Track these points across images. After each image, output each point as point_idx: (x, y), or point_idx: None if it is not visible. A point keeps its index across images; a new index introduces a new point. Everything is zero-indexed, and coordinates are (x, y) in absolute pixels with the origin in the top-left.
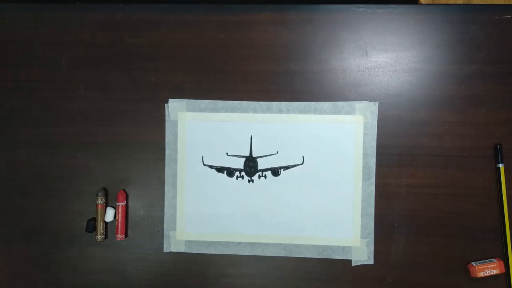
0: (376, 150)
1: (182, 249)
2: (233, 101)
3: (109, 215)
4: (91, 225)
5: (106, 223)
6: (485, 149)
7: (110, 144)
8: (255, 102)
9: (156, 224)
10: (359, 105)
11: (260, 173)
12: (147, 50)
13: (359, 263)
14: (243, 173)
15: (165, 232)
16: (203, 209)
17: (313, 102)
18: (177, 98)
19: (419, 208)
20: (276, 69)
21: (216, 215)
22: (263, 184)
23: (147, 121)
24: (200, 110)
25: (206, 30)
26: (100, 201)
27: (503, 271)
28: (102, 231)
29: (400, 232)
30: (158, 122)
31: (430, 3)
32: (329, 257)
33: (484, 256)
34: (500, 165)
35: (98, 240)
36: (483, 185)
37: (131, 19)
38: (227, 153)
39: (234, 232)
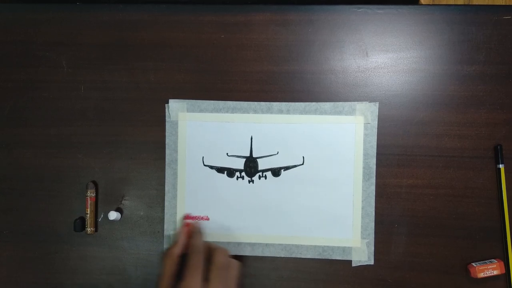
0: (376, 150)
1: None
2: (234, 102)
3: (113, 214)
4: (78, 224)
5: (96, 216)
6: (485, 149)
7: (110, 144)
8: (256, 103)
9: (156, 224)
10: (359, 105)
11: (260, 173)
12: (147, 50)
13: (359, 264)
14: (243, 174)
15: (165, 232)
16: (203, 210)
17: (313, 103)
18: (177, 98)
19: (419, 209)
20: (276, 70)
21: (216, 215)
22: (263, 184)
23: (147, 121)
24: (201, 111)
25: (207, 30)
26: (90, 194)
27: (503, 271)
28: (92, 224)
29: (400, 232)
30: (158, 122)
31: (431, 3)
32: (329, 258)
33: (484, 257)
34: (501, 166)
35: (88, 233)
36: (483, 186)
37: (131, 19)
38: (227, 154)
39: (234, 232)
